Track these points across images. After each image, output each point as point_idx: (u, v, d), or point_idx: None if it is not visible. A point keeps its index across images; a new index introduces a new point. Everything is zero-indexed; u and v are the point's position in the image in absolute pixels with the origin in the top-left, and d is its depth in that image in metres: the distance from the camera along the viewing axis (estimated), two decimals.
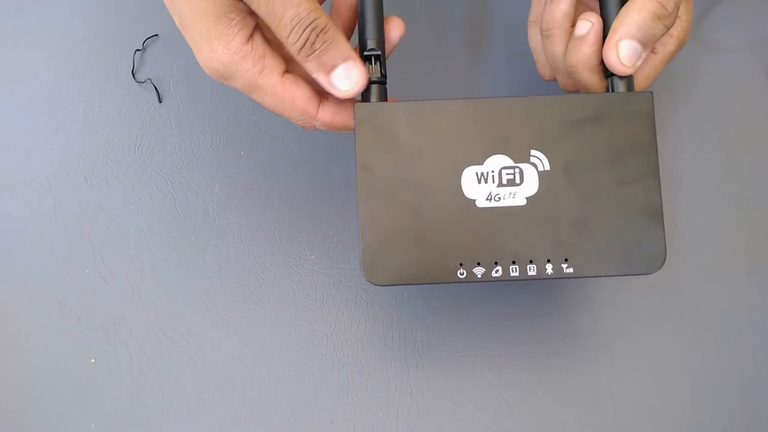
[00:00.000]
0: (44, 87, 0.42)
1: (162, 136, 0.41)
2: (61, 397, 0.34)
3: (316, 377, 0.35)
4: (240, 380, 0.35)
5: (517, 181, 0.29)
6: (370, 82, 0.30)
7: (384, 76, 0.31)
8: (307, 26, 0.27)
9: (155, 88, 0.42)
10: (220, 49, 0.28)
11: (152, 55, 0.43)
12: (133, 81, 0.42)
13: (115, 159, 0.40)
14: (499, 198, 0.29)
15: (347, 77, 0.29)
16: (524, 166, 0.30)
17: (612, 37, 0.30)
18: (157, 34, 0.44)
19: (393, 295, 0.37)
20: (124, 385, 0.35)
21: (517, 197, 0.29)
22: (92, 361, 0.35)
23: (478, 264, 0.29)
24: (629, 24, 0.29)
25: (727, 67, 0.44)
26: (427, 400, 0.35)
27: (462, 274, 0.29)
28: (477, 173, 0.29)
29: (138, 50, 0.43)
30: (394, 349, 0.36)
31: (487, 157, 0.30)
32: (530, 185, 0.29)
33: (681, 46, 0.33)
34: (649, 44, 0.30)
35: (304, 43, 0.27)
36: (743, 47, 0.44)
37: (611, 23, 0.30)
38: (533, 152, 0.30)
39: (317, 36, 0.27)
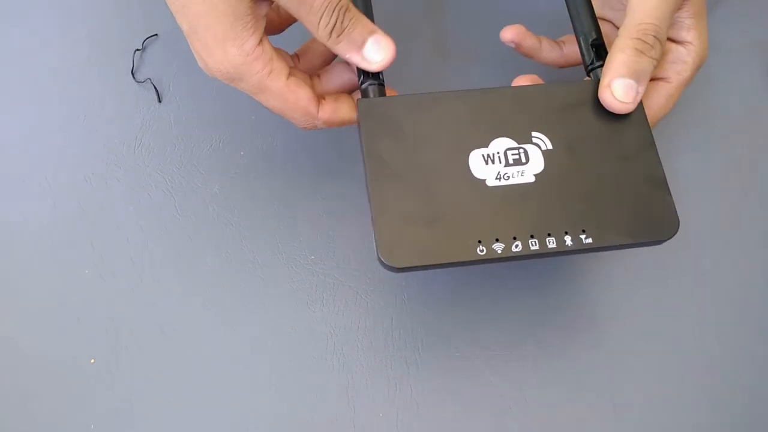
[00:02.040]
0: (44, 87, 0.42)
1: (162, 136, 0.41)
2: (61, 397, 0.34)
3: (316, 377, 0.35)
4: (240, 380, 0.35)
5: (523, 160, 0.30)
6: (369, 85, 0.32)
7: (381, 78, 0.32)
8: (335, 8, 0.28)
9: (155, 87, 0.42)
10: (234, 51, 0.29)
11: (152, 55, 0.43)
12: (133, 81, 0.42)
13: (114, 159, 0.40)
14: (508, 177, 0.30)
15: (379, 48, 0.30)
16: (528, 146, 0.31)
17: (603, 81, 0.31)
18: (156, 34, 0.44)
19: (393, 295, 0.37)
20: (124, 385, 0.34)
21: (525, 175, 0.30)
22: (92, 361, 0.35)
23: (497, 240, 0.29)
24: (615, 64, 0.31)
25: (727, 67, 0.44)
26: (427, 400, 0.35)
27: (482, 251, 0.29)
28: (483, 155, 0.30)
29: (138, 50, 0.43)
30: (394, 349, 0.36)
31: (491, 140, 0.31)
32: (536, 163, 0.30)
33: (697, 69, 0.34)
34: (642, 78, 0.31)
35: (335, 24, 0.29)
36: (743, 47, 0.44)
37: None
38: (534, 134, 0.31)
39: (344, 15, 0.29)
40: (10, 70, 0.43)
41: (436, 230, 0.29)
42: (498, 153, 0.30)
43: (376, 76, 0.32)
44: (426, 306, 0.37)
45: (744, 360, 0.36)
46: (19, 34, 0.44)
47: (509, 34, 0.37)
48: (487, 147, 0.30)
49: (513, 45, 0.37)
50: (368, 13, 0.33)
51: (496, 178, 0.30)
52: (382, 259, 0.28)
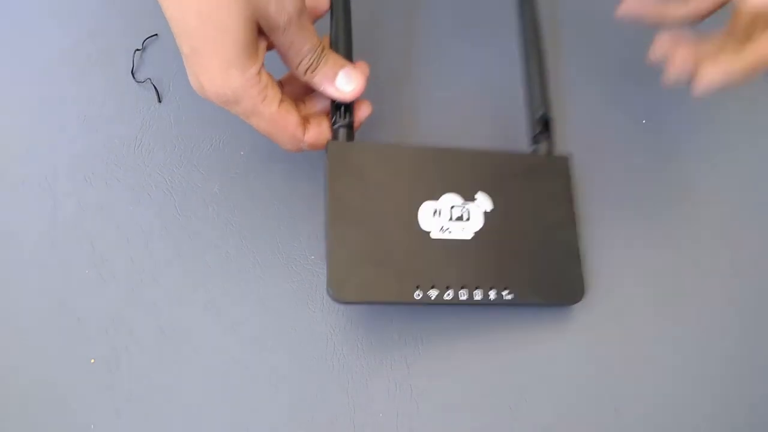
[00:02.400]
0: (44, 87, 0.42)
1: (162, 135, 0.41)
2: (61, 397, 0.34)
3: (316, 377, 0.35)
4: (240, 380, 0.35)
5: (465, 218, 0.34)
6: (340, 126, 0.35)
7: (352, 122, 0.35)
8: (315, 51, 0.32)
9: (155, 87, 0.42)
10: (236, 75, 0.30)
11: (152, 55, 0.43)
12: (133, 81, 0.42)
13: (114, 159, 0.40)
14: (450, 231, 0.34)
15: (349, 80, 0.34)
16: (471, 206, 0.35)
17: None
18: (156, 34, 0.44)
19: None
20: (124, 385, 0.34)
21: (465, 231, 0.34)
22: (92, 361, 0.35)
23: (433, 287, 0.33)
24: None
25: None
26: (427, 400, 0.35)
27: (418, 295, 0.33)
28: (433, 208, 0.34)
29: (138, 50, 0.43)
30: (394, 349, 0.36)
31: (441, 194, 0.35)
32: (476, 222, 0.35)
33: None
34: None
35: (311, 63, 0.33)
36: None
37: None
38: (479, 194, 0.35)
39: (320, 55, 0.33)
40: (10, 70, 0.43)
41: (381, 272, 0.32)
42: (445, 208, 0.34)
43: (347, 118, 0.35)
44: (426, 306, 0.37)
45: (746, 360, 0.36)
46: (19, 34, 0.44)
47: (629, 5, 0.36)
48: (437, 200, 0.34)
49: (635, 17, 0.36)
50: (348, 49, 0.36)
51: (440, 230, 0.34)
52: (330, 291, 0.32)
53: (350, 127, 0.35)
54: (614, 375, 0.36)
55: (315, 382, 0.35)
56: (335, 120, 0.35)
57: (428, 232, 0.34)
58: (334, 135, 0.35)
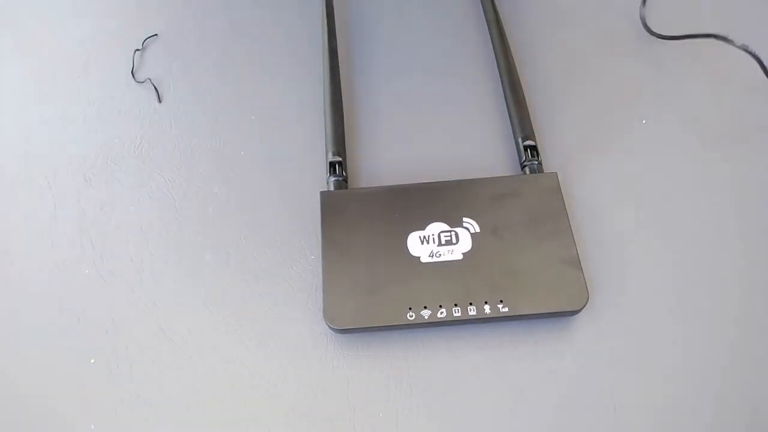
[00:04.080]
0: (44, 87, 0.42)
1: (162, 136, 0.41)
2: (61, 397, 0.34)
3: (316, 377, 0.35)
4: (240, 380, 0.35)
5: (454, 241, 0.36)
6: (332, 179, 0.39)
7: (345, 176, 0.39)
8: None
9: (155, 87, 0.42)
10: None
11: (152, 55, 0.43)
12: (133, 81, 0.42)
13: (114, 159, 0.40)
14: (440, 255, 0.35)
15: None
16: (459, 229, 0.36)
17: None
18: (156, 34, 0.44)
19: None
20: (124, 385, 0.34)
21: (454, 253, 0.35)
22: (92, 361, 0.35)
23: (425, 308, 0.34)
24: None
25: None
26: (427, 400, 0.35)
27: (411, 316, 0.34)
28: (420, 236, 0.36)
29: (138, 50, 0.43)
30: (394, 348, 0.36)
31: (427, 224, 0.36)
32: (465, 243, 0.36)
33: None
34: None
35: None
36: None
37: None
38: (465, 219, 0.36)
39: None
40: (11, 71, 0.43)
41: (373, 299, 0.34)
42: (432, 235, 0.36)
43: (340, 173, 0.39)
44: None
45: (748, 362, 0.36)
46: (19, 35, 0.44)
47: None
48: (423, 230, 0.36)
49: None
50: (338, 129, 0.40)
51: (429, 256, 0.35)
52: (327, 322, 0.34)
53: (344, 179, 0.39)
54: (623, 377, 0.36)
55: (315, 382, 0.35)
56: (328, 175, 0.39)
57: (418, 257, 0.35)
58: (328, 186, 0.39)
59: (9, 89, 0.42)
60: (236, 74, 0.45)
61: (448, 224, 0.36)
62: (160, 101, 0.42)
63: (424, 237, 0.36)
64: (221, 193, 0.39)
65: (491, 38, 0.46)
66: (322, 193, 0.38)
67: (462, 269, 0.35)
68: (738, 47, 0.42)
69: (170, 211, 0.39)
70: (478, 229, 0.36)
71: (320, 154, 0.42)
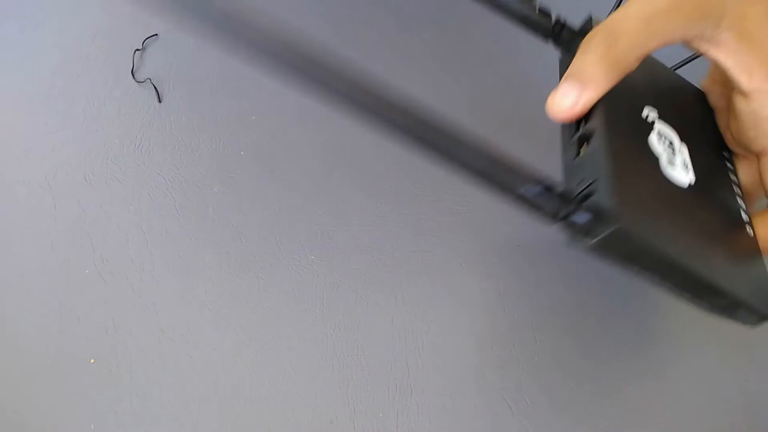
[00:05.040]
0: (44, 87, 0.42)
1: (162, 136, 0.41)
2: (61, 397, 0.34)
3: (316, 377, 0.35)
4: (240, 380, 0.35)
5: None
6: None
7: None
8: None
9: (155, 87, 0.42)
10: None
11: (152, 55, 0.43)
12: (133, 81, 0.42)
13: (114, 159, 0.40)
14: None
15: None
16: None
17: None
18: (156, 34, 0.44)
19: (393, 294, 0.37)
20: (124, 385, 0.34)
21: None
22: (92, 361, 0.35)
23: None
24: None
25: None
26: (427, 400, 0.35)
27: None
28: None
29: (137, 50, 0.43)
30: (395, 349, 0.36)
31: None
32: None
33: None
34: None
35: None
36: None
37: None
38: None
39: None
40: (11, 71, 0.43)
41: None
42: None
43: None
44: (426, 306, 0.37)
45: None
46: (19, 35, 0.44)
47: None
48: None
49: None
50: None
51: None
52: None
53: None
54: None
55: (315, 382, 0.35)
56: None
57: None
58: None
59: (9, 89, 0.42)
60: (236, 74, 0.45)
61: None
62: (160, 101, 0.42)
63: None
64: (221, 193, 0.39)
65: None
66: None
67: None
68: None
69: (170, 211, 0.39)
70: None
71: (323, 153, 0.42)
